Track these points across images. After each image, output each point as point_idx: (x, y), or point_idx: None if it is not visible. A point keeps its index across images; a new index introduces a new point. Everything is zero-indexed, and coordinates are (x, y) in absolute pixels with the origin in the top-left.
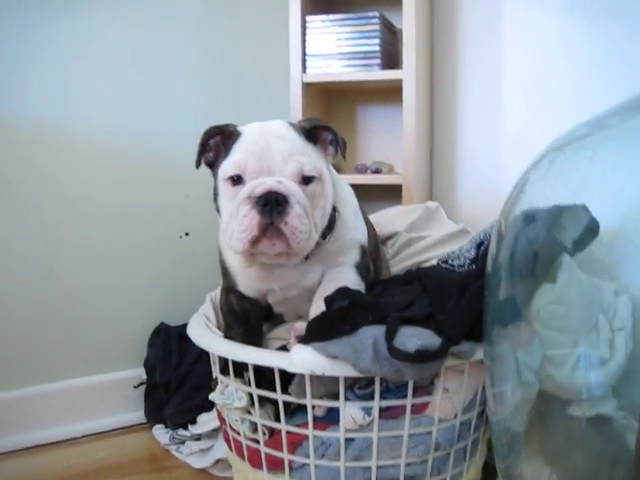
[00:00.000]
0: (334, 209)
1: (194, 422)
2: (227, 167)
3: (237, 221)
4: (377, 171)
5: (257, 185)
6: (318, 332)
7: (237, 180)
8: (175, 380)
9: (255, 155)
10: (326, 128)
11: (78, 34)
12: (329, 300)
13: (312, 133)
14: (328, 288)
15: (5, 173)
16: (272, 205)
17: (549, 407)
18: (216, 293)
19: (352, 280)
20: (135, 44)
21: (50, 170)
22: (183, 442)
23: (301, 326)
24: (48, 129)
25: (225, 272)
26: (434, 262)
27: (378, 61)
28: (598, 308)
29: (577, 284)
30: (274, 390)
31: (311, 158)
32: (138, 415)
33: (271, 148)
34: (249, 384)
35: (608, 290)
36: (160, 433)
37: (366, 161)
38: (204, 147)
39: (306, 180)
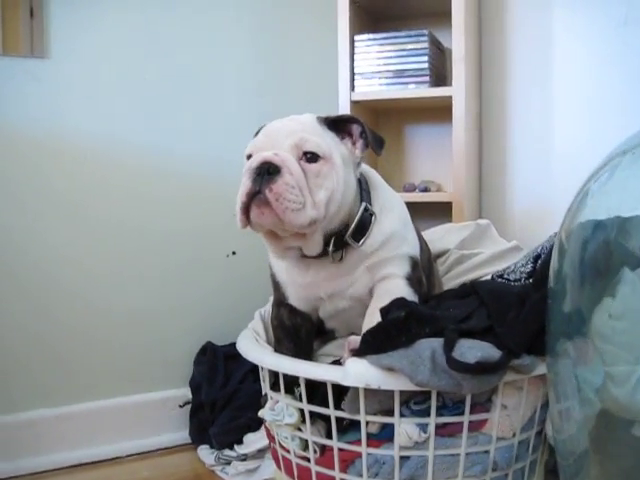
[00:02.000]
0: (367, 210)
1: (240, 442)
2: (246, 149)
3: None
4: (425, 190)
5: (256, 158)
6: (373, 344)
7: (249, 158)
8: (221, 400)
9: (265, 134)
10: (353, 120)
11: (112, 38)
12: (385, 311)
13: (339, 126)
14: (381, 301)
15: (47, 191)
16: (264, 174)
17: (612, 428)
18: (265, 309)
19: (404, 292)
20: (178, 59)
21: (93, 192)
22: (229, 463)
23: (355, 339)
24: (97, 151)
25: (275, 286)
26: (488, 278)
27: (427, 78)
28: None
29: (639, 299)
30: (326, 406)
31: (319, 139)
32: (183, 435)
33: (280, 128)
34: (300, 400)
35: None
36: (205, 453)
37: (414, 180)
38: None
39: (310, 158)
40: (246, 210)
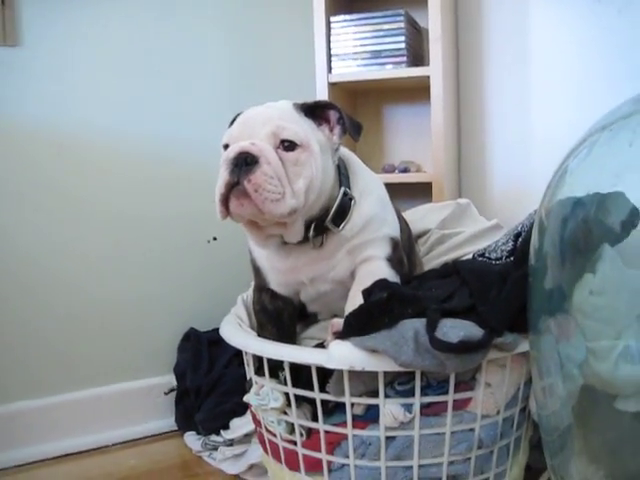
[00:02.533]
0: (346, 195)
1: (226, 427)
2: (222, 138)
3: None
4: (405, 170)
5: (233, 148)
6: (356, 326)
7: (226, 148)
8: (206, 385)
9: (240, 123)
10: (330, 106)
11: (94, 36)
12: (367, 293)
13: (316, 112)
14: (362, 283)
15: (27, 183)
16: (241, 165)
17: (595, 403)
18: (248, 294)
19: (386, 273)
20: (157, 45)
21: (74, 180)
22: (216, 448)
23: (338, 322)
24: (70, 139)
25: (256, 271)
26: (469, 257)
27: (404, 59)
28: None
29: (618, 275)
30: (311, 389)
31: (296, 126)
32: (169, 422)
33: (256, 116)
34: (285, 384)
35: None
36: (192, 440)
37: (394, 161)
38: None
39: (287, 146)
40: (225, 201)
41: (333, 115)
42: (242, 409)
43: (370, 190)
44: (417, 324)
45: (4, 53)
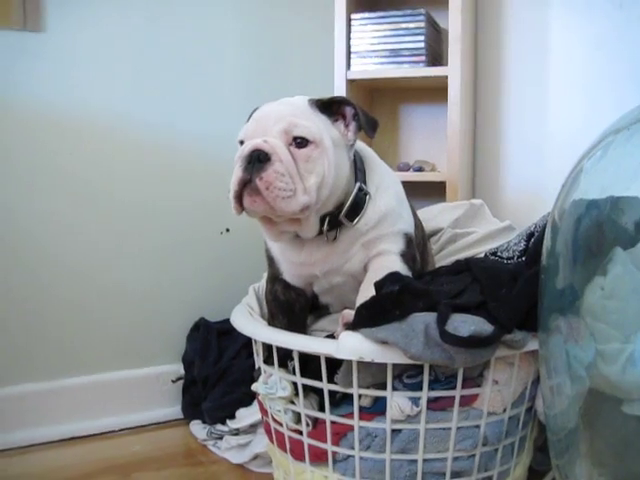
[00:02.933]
0: (362, 190)
1: (232, 417)
2: (239, 135)
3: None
4: (420, 169)
5: (246, 145)
6: (367, 317)
7: (242, 144)
8: (214, 375)
9: (255, 120)
10: (345, 102)
11: (114, 24)
12: (379, 285)
13: (332, 108)
14: (375, 276)
15: (38, 168)
16: (254, 162)
17: (601, 405)
18: (260, 285)
19: (398, 268)
20: (177, 38)
21: (88, 167)
22: (221, 437)
23: (349, 313)
24: (94, 125)
25: (270, 261)
26: (481, 256)
27: (423, 58)
28: None
29: (630, 278)
30: (319, 379)
31: (309, 123)
32: (175, 410)
33: (270, 113)
34: (293, 373)
35: None
36: (197, 428)
37: (409, 160)
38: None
39: (300, 143)
40: (239, 198)
41: (349, 111)
42: (249, 399)
43: (386, 185)
44: (428, 318)
45: (25, 38)
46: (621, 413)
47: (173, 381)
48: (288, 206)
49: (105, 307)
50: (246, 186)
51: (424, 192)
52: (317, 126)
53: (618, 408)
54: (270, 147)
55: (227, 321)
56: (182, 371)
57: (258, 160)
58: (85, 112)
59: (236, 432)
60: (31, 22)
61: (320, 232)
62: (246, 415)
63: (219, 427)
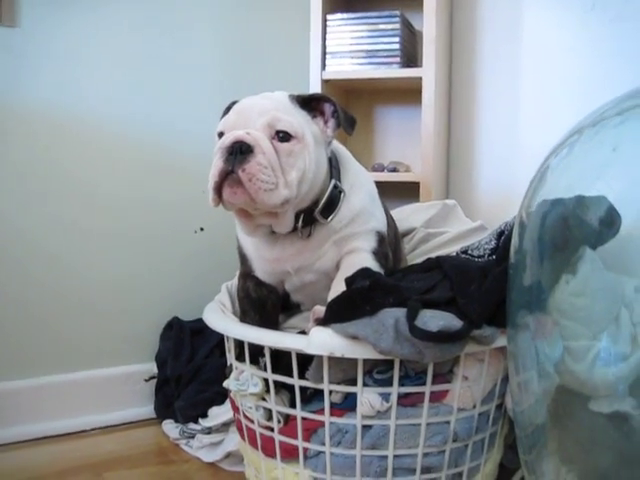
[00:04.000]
0: (336, 187)
1: (205, 416)
2: (217, 126)
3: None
4: (394, 170)
5: (228, 137)
6: (338, 312)
7: (220, 136)
8: (186, 374)
9: (236, 112)
10: (325, 99)
11: (93, 21)
12: (349, 281)
13: (312, 104)
14: (346, 273)
15: (20, 164)
16: (236, 154)
17: (569, 402)
18: (232, 283)
19: (370, 265)
20: (155, 35)
21: (64, 161)
22: (193, 436)
23: (320, 309)
24: (65, 121)
25: (242, 257)
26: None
27: (398, 59)
28: (619, 302)
29: (599, 277)
30: (290, 376)
31: (292, 118)
32: (148, 410)
33: (253, 106)
34: (265, 370)
35: (628, 286)
36: (170, 427)
37: (383, 161)
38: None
39: (282, 137)
40: (218, 189)
41: (328, 108)
42: (221, 398)
43: (360, 184)
44: (398, 313)
45: (1, 33)
46: (588, 410)
47: (146, 380)
48: (269, 199)
49: (76, 305)
50: (227, 177)
51: (398, 192)
52: (299, 121)
53: (586, 405)
54: (253, 139)
55: (200, 320)
56: (155, 370)
57: (240, 152)
58: (59, 107)
59: (208, 431)
60: (6, 17)
61: (294, 228)
62: (218, 414)
63: (191, 426)
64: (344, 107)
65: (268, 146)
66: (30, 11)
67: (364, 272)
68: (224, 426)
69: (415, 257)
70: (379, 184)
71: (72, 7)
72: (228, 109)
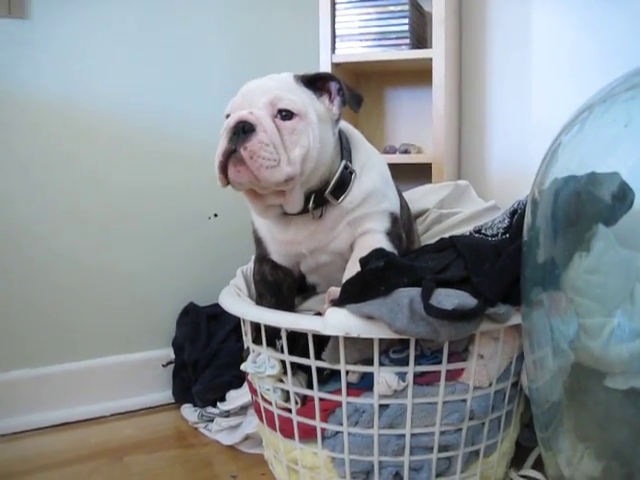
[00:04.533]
0: (347, 168)
1: (223, 399)
2: (225, 109)
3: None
4: (406, 152)
5: (232, 117)
6: (353, 293)
7: (227, 117)
8: (204, 359)
9: (242, 94)
10: (330, 78)
11: (101, 13)
12: (364, 261)
13: (317, 84)
14: (360, 254)
15: (29, 155)
16: (239, 133)
17: (585, 379)
18: (247, 267)
19: (384, 246)
20: (163, 24)
21: (75, 152)
22: (211, 420)
23: (335, 290)
24: (75, 112)
25: (257, 241)
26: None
27: (407, 41)
28: (634, 278)
29: (613, 254)
30: (307, 357)
31: (294, 96)
32: (166, 395)
33: (257, 87)
34: (281, 351)
35: None
36: (188, 412)
37: (395, 143)
38: None
39: (285, 116)
40: (224, 169)
41: (333, 86)
42: (239, 382)
43: (372, 165)
44: (412, 292)
45: (10, 25)
46: (604, 387)
47: (164, 365)
48: (272, 176)
49: (94, 293)
50: (231, 157)
51: (410, 174)
52: (302, 100)
53: (601, 382)
54: (255, 118)
55: (216, 305)
56: (172, 355)
57: (243, 131)
58: (70, 97)
59: (227, 414)
60: (15, 9)
61: (306, 210)
62: (236, 397)
63: (210, 410)
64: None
65: (270, 124)
66: (40, 3)
67: (378, 252)
68: (242, 409)
69: (428, 238)
70: (391, 166)
71: (82, 1)
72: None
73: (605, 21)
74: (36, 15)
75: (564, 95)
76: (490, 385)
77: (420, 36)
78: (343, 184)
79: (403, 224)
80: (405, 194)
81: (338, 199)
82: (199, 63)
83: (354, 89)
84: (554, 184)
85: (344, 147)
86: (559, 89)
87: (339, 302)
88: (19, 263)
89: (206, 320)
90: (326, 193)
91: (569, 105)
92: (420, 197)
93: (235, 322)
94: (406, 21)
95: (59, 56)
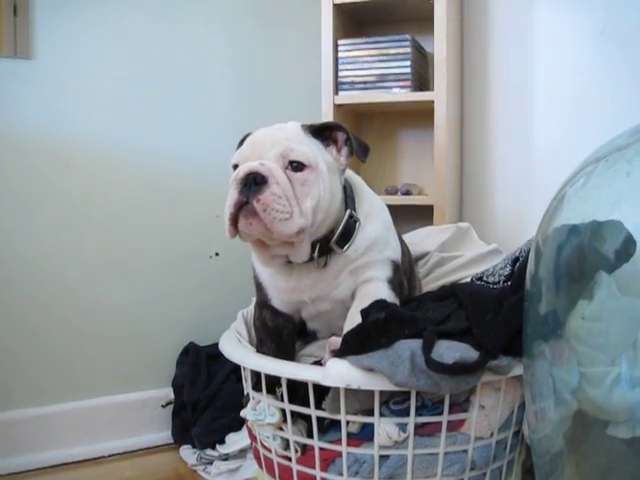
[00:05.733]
0: (352, 217)
1: (222, 442)
2: (232, 159)
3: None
4: (407, 193)
5: (242, 168)
6: (354, 345)
7: (235, 168)
8: (203, 400)
9: (249, 144)
10: (338, 128)
11: (100, 47)
12: (365, 313)
13: (324, 133)
14: (362, 303)
15: (32, 192)
16: (250, 185)
17: (587, 428)
18: (248, 310)
19: (386, 295)
20: (165, 65)
21: (78, 190)
22: (211, 462)
23: (336, 340)
24: (79, 150)
25: (258, 287)
26: (467, 281)
27: (409, 83)
28: (636, 325)
29: (615, 301)
30: (307, 406)
31: (305, 147)
32: (165, 435)
33: (266, 137)
34: (281, 400)
35: None
36: (187, 453)
37: (396, 183)
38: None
39: (296, 167)
40: (234, 221)
41: (341, 136)
42: (238, 424)
43: (375, 213)
44: (413, 345)
45: (15, 65)
46: (607, 436)
47: (163, 406)
48: (285, 228)
49: (93, 333)
50: (242, 208)
51: (412, 215)
52: (312, 151)
53: (604, 431)
54: (267, 170)
55: (216, 345)
56: (172, 396)
57: (254, 182)
58: (73, 136)
59: (226, 457)
60: (21, 49)
61: (310, 258)
62: (236, 440)
63: (209, 452)
64: (356, 131)
65: (282, 176)
66: (44, 43)
67: (379, 304)
68: (241, 452)
69: (430, 281)
70: (392, 207)
71: (85, 39)
72: (242, 141)
73: (607, 64)
74: (40, 55)
75: (567, 137)
76: (492, 435)
77: (422, 77)
78: (348, 233)
79: (404, 270)
80: (406, 236)
81: (343, 248)
82: (203, 103)
83: (360, 139)
84: (558, 235)
85: (348, 195)
86: (562, 131)
87: (340, 353)
88: (19, 301)
89: (206, 360)
90: (331, 242)
91: (573, 149)
92: (421, 239)
93: (235, 363)
94: (408, 63)
95: (63, 95)
